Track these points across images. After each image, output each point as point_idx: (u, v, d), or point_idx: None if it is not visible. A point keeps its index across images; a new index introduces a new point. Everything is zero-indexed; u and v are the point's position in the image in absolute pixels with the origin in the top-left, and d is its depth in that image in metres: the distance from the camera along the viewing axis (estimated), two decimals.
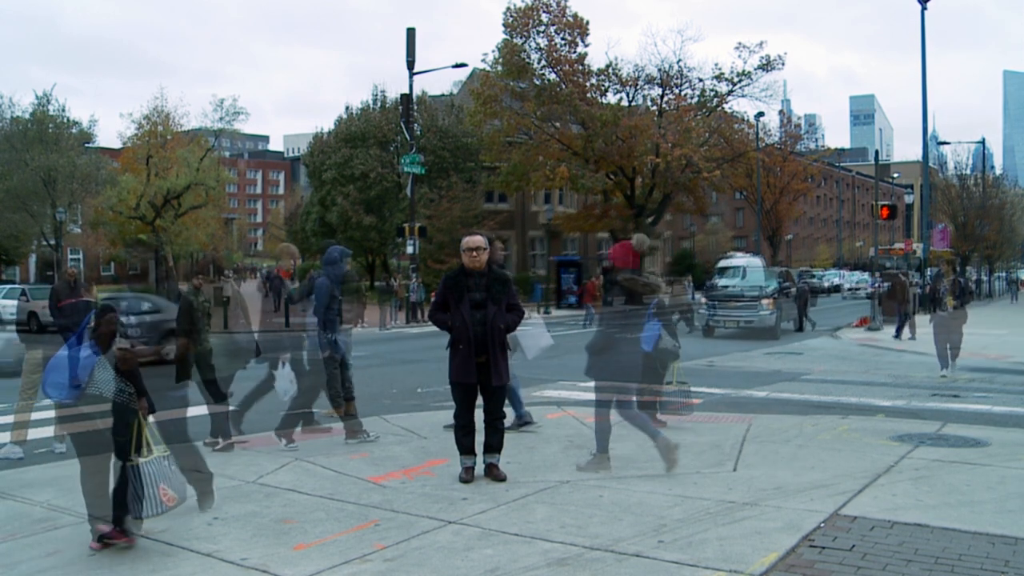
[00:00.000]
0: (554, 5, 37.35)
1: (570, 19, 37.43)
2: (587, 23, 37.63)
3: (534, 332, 8.26)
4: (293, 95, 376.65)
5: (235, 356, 8.32)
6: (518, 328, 7.33)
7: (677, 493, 5.94)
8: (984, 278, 52.97)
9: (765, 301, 22.09)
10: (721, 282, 24.19)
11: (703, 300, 22.95)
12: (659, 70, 39.02)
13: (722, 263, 27.40)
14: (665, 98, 39.83)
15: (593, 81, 38.49)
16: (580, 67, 37.84)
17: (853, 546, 4.74)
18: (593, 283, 27.25)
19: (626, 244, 7.08)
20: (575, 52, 37.64)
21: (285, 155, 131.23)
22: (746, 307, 22.17)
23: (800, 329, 24.77)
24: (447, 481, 6.41)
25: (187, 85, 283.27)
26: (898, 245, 37.87)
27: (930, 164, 38.60)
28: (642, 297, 7.09)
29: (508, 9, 37.20)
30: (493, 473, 6.47)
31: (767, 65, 37.97)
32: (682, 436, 8.05)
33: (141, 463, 4.94)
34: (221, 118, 40.85)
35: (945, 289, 13.69)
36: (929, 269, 28.98)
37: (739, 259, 31.04)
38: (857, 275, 58.34)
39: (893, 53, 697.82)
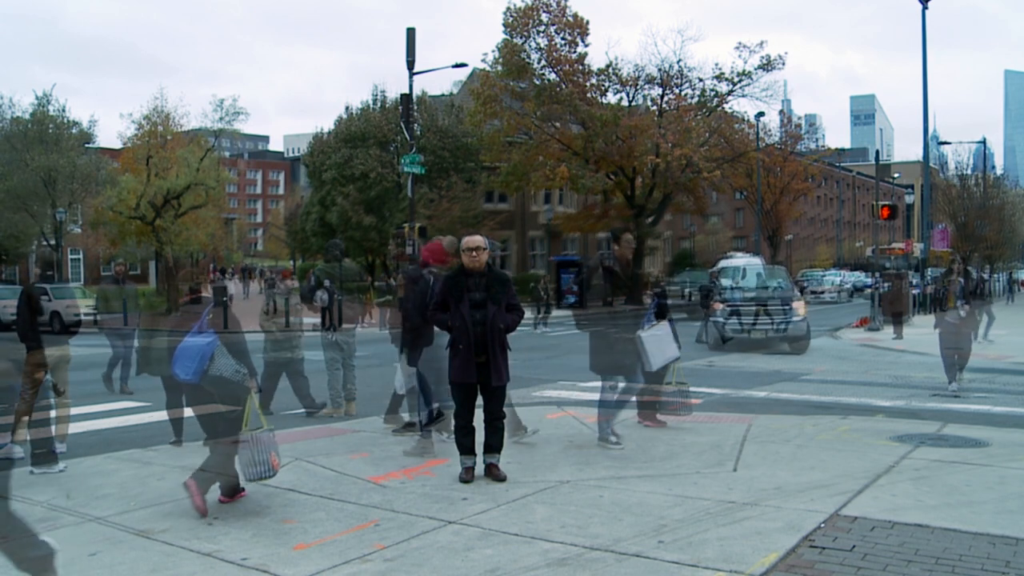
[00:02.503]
0: (554, 5, 37.35)
1: (570, 19, 37.43)
2: (587, 23, 37.66)
3: (661, 341, 7.99)
4: (295, 95, 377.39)
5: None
6: (646, 333, 7.61)
7: (677, 493, 5.94)
8: (985, 278, 52.86)
9: (797, 305, 18.71)
10: (740, 284, 21.02)
11: (717, 306, 19.08)
12: (659, 70, 39.02)
13: (722, 263, 27.30)
14: (665, 98, 39.82)
15: (593, 81, 38.49)
16: (580, 67, 37.83)
17: (853, 546, 4.74)
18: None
19: (438, 244, 7.85)
20: (575, 52, 37.64)
21: (285, 155, 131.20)
22: (777, 313, 18.34)
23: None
24: (447, 481, 6.41)
25: (189, 85, 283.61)
26: (896, 245, 37.70)
27: (931, 164, 38.59)
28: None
29: (508, 9, 37.23)
30: (493, 473, 6.47)
31: (767, 65, 37.97)
32: (682, 436, 8.05)
33: (256, 433, 5.67)
34: (221, 118, 40.74)
35: (959, 289, 11.98)
36: (930, 269, 28.97)
37: (739, 259, 30.97)
38: (832, 274, 54.31)
39: (895, 53, 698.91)
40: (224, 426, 5.84)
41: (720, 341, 18.61)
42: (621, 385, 7.85)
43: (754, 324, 18.45)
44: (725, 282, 21.84)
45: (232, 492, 5.90)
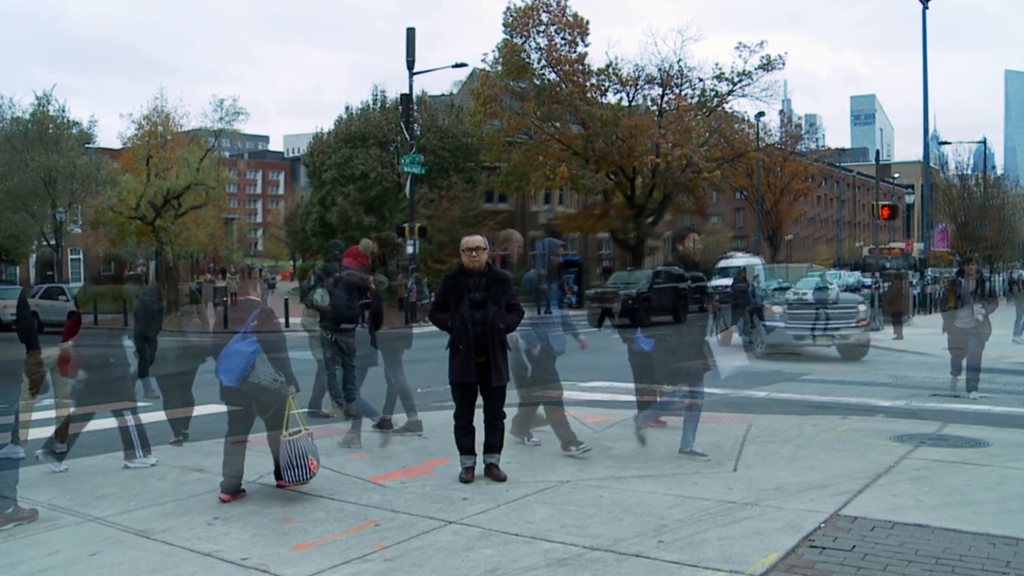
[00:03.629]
0: (554, 5, 37.35)
1: (570, 19, 37.43)
2: (587, 23, 37.66)
3: (732, 351, 7.96)
4: (295, 95, 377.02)
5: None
6: (713, 344, 7.41)
7: (677, 493, 5.94)
8: (986, 277, 52.88)
9: (863, 308, 16.88)
10: (796, 286, 19.02)
11: (774, 310, 17.02)
12: (659, 70, 39.03)
13: (722, 263, 27.26)
14: (665, 98, 39.82)
15: (593, 81, 38.48)
16: (580, 67, 37.83)
17: (854, 546, 4.74)
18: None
19: (355, 248, 8.48)
20: (575, 52, 37.64)
21: (285, 155, 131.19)
22: (842, 317, 16.35)
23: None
24: (447, 481, 6.41)
25: (189, 85, 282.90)
26: (895, 244, 37.54)
27: (931, 164, 38.59)
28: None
29: (508, 9, 37.23)
30: (493, 473, 6.47)
31: (767, 65, 37.98)
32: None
33: (293, 439, 5.93)
34: (221, 118, 40.77)
35: (973, 290, 11.05)
36: (929, 269, 28.93)
37: (739, 259, 30.93)
38: (832, 275, 53.96)
39: (895, 53, 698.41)
40: (261, 424, 6.22)
41: (765, 347, 16.93)
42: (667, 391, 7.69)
43: (825, 329, 16.25)
44: (767, 284, 20.28)
45: (234, 491, 6.01)
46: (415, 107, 33.37)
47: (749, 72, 38.20)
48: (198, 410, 8.53)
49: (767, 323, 17.07)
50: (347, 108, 46.66)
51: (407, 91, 28.60)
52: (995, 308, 11.48)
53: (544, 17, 37.24)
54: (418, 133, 35.73)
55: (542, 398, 7.61)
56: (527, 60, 37.19)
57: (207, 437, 8.39)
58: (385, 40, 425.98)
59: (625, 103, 39.34)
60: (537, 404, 7.71)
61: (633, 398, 9.03)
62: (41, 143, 37.64)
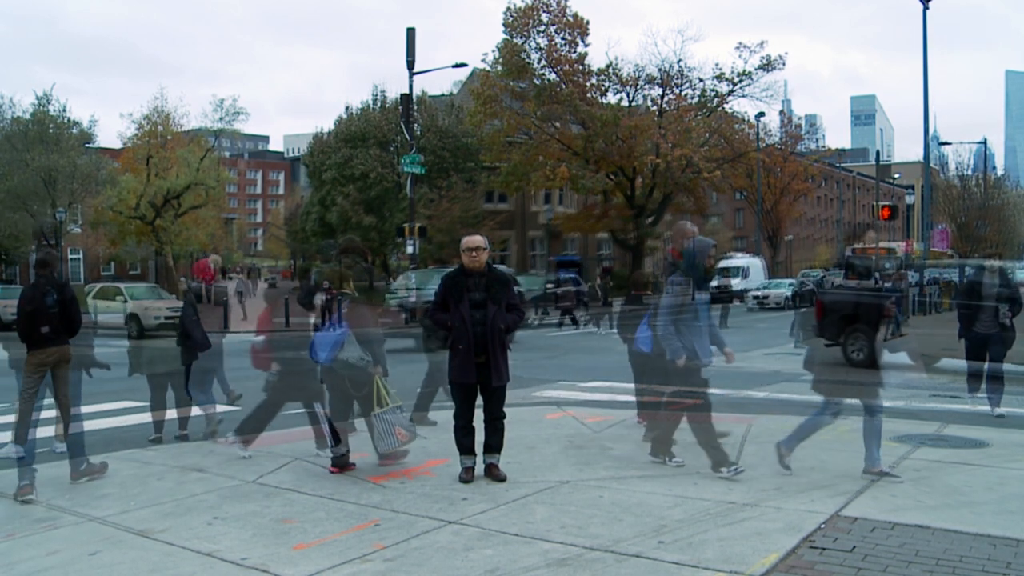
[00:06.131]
0: (554, 5, 37.35)
1: (570, 19, 37.42)
2: (587, 23, 37.67)
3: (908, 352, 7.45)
4: (295, 95, 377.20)
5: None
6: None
7: (677, 493, 5.94)
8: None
9: None
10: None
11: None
12: (659, 70, 39.03)
13: (722, 263, 27.19)
14: (665, 98, 39.82)
15: (593, 81, 38.49)
16: (580, 67, 37.83)
17: (854, 547, 4.74)
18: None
19: (204, 261, 8.91)
20: (575, 52, 37.64)
21: (285, 155, 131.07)
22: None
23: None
24: (447, 481, 6.41)
25: (190, 85, 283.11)
26: (875, 244, 37.08)
27: (931, 164, 38.57)
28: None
29: (508, 9, 37.22)
30: (493, 473, 6.46)
31: (768, 65, 37.97)
32: (682, 436, 8.04)
33: (381, 412, 6.69)
34: (221, 118, 40.84)
35: (996, 291, 9.72)
36: (927, 270, 28.87)
37: (739, 259, 30.90)
38: (832, 275, 52.34)
39: (896, 53, 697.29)
40: (357, 407, 6.96)
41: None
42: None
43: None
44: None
45: (343, 465, 6.75)
46: (415, 107, 33.36)
47: (749, 72, 38.20)
48: (196, 410, 8.52)
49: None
50: (347, 108, 46.63)
51: (407, 91, 28.59)
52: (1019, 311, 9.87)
53: (544, 17, 37.24)
54: (418, 133, 35.72)
55: (680, 408, 6.89)
56: (527, 60, 37.19)
57: (201, 438, 8.39)
58: (385, 40, 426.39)
59: (625, 103, 39.34)
60: (678, 420, 7.00)
61: (633, 398, 9.04)
62: (41, 143, 37.66)
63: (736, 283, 36.81)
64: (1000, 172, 64.66)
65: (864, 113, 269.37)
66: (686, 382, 6.77)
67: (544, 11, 37.22)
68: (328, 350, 6.67)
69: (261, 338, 7.75)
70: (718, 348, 7.00)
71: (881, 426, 6.54)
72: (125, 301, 25.31)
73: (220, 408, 8.66)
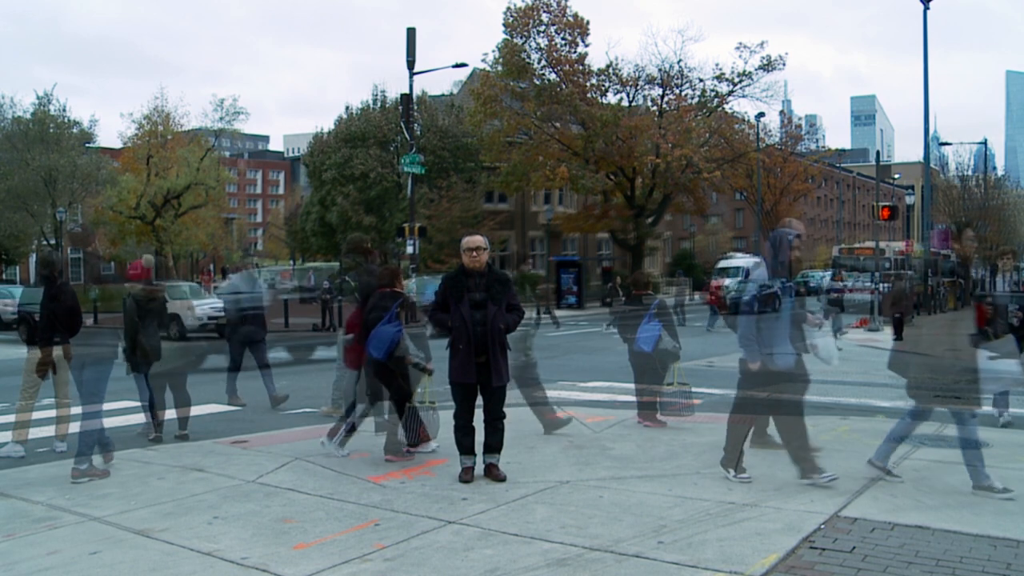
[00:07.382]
0: (554, 5, 37.32)
1: (570, 19, 37.39)
2: (587, 23, 37.63)
3: (826, 343, 7.22)
4: (297, 95, 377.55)
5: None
6: (817, 340, 6.52)
7: (677, 494, 5.94)
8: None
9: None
10: None
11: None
12: (659, 70, 38.99)
13: (722, 263, 27.17)
14: (665, 98, 39.79)
15: (593, 81, 38.45)
16: (580, 67, 37.79)
17: (854, 548, 4.74)
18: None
19: (139, 262, 8.99)
20: (575, 52, 37.60)
21: (285, 155, 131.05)
22: None
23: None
24: (447, 481, 6.41)
25: (191, 85, 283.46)
26: (868, 244, 36.65)
27: (931, 165, 38.55)
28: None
29: (508, 9, 37.18)
30: (493, 473, 6.46)
31: (768, 65, 37.92)
32: (682, 436, 8.05)
33: (417, 407, 7.11)
34: (221, 118, 40.88)
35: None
36: (929, 272, 28.81)
37: (739, 259, 30.83)
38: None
39: (898, 53, 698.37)
40: (392, 398, 7.25)
41: None
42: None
43: None
44: None
45: (396, 451, 7.13)
46: (415, 107, 33.36)
47: (749, 72, 38.17)
48: (196, 410, 8.54)
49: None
50: (347, 108, 46.63)
51: (407, 91, 28.59)
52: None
53: (544, 17, 37.22)
54: (418, 133, 35.72)
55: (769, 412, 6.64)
56: (527, 60, 37.17)
57: (207, 436, 8.40)
58: (387, 40, 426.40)
59: (625, 103, 39.31)
60: (750, 427, 6.69)
61: (633, 398, 9.04)
62: (42, 142, 37.68)
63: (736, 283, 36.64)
64: (1000, 172, 64.68)
65: (864, 113, 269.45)
66: (787, 388, 6.40)
67: (544, 11, 37.19)
68: (384, 347, 6.89)
69: (350, 336, 7.81)
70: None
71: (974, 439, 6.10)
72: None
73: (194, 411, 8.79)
